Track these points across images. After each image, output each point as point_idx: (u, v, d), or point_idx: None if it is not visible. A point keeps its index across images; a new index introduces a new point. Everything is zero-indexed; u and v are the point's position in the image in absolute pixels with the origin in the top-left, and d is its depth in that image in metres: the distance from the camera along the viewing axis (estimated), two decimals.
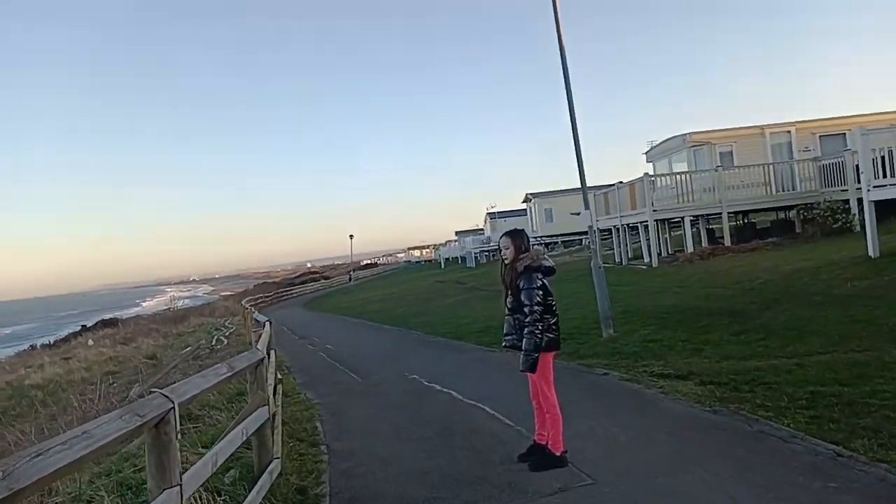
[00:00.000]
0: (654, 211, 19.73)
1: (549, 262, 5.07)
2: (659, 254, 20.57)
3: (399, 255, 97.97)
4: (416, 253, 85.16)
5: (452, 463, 5.34)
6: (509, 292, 5.05)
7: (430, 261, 71.40)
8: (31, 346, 39.84)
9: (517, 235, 5.16)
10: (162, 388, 3.11)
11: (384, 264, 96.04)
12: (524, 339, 4.83)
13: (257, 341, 7.01)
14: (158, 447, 2.98)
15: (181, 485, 3.03)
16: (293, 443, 6.65)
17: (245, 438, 4.33)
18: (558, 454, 4.91)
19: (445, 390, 8.37)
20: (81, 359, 22.79)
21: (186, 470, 3.18)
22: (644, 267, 20.42)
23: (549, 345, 4.89)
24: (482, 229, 62.71)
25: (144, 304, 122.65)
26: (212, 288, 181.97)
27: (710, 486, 4.17)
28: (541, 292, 4.88)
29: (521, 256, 5.00)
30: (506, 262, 5.11)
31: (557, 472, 4.78)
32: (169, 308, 52.85)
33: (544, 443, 5.14)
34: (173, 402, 3.06)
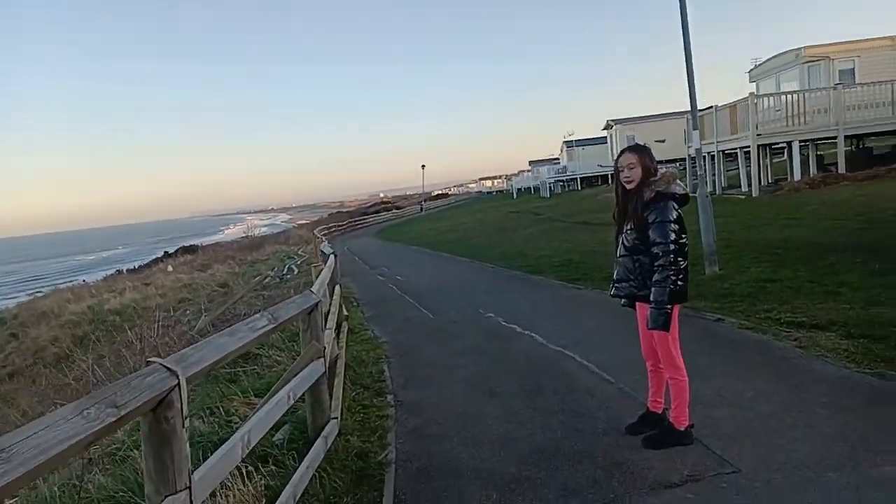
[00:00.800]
0: (758, 135, 17.60)
1: (683, 188, 3.87)
2: (759, 182, 18.54)
3: (470, 186, 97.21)
4: (488, 183, 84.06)
5: (545, 430, 4.39)
6: (630, 226, 3.88)
7: (501, 191, 70.39)
8: (117, 270, 41.69)
9: (644, 152, 3.90)
10: (164, 360, 2.23)
11: (455, 195, 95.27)
12: (654, 288, 3.70)
13: (316, 278, 6.19)
14: (157, 439, 2.14)
15: (190, 487, 2.19)
16: (356, 390, 5.90)
17: (292, 403, 3.51)
18: (683, 428, 3.87)
19: (527, 333, 7.41)
20: (159, 285, 23.26)
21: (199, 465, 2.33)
22: (742, 197, 18.49)
23: (682, 295, 3.77)
24: (557, 159, 60.36)
25: (226, 232, 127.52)
26: (289, 217, 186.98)
27: None
28: (676, 227, 3.72)
29: (652, 180, 3.81)
30: (628, 186, 3.92)
31: (682, 451, 3.76)
32: (246, 235, 53.99)
33: (660, 412, 4.11)
34: (178, 377, 2.18)
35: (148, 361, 2.22)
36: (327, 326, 5.44)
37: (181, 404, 2.20)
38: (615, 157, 4.05)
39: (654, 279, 3.72)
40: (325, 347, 4.29)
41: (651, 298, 3.72)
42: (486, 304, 9.68)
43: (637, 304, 3.98)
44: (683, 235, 3.77)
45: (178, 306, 17.03)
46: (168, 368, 2.19)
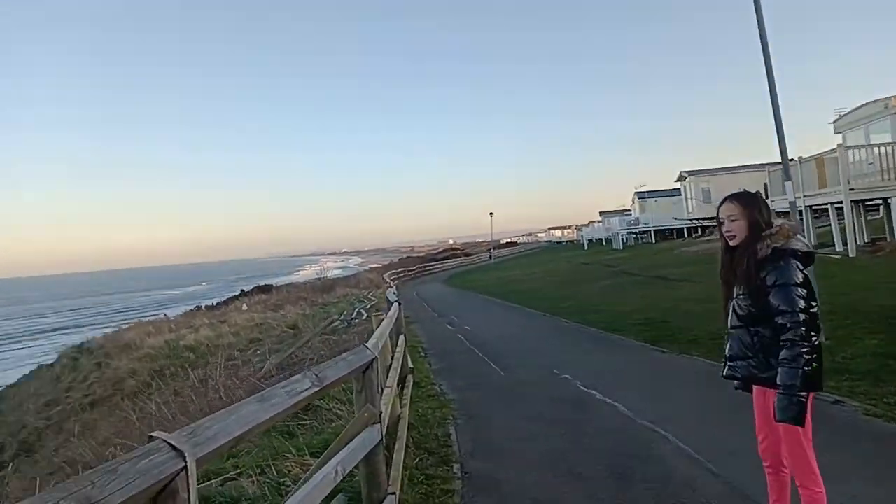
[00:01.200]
0: (851, 190, 16.21)
1: (806, 245, 3.15)
2: (856, 241, 17.02)
3: (539, 235, 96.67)
4: (557, 233, 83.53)
5: None
6: (743, 290, 3.18)
7: (571, 241, 70.00)
8: (196, 306, 43.06)
9: (751, 202, 3.18)
10: (169, 436, 1.77)
11: (524, 243, 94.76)
12: (782, 369, 2.94)
13: (376, 328, 5.72)
14: None
15: None
16: (420, 455, 5.33)
17: (340, 479, 2.98)
18: None
19: (609, 401, 6.65)
20: (233, 323, 23.59)
21: None
22: (838, 257, 16.99)
23: (817, 379, 3.01)
24: (629, 210, 59.02)
25: (300, 273, 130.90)
26: (361, 260, 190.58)
27: None
28: (804, 291, 3.00)
29: (766, 234, 3.11)
30: (731, 242, 3.23)
31: None
32: (319, 277, 54.92)
33: None
34: (185, 460, 1.70)
35: (150, 437, 1.76)
36: (388, 384, 4.92)
37: (188, 494, 1.72)
38: (717, 206, 3.37)
39: (781, 357, 2.98)
40: (381, 412, 3.76)
41: (778, 381, 2.96)
42: (562, 363, 8.96)
43: (754, 387, 3.24)
44: (814, 303, 3.04)
45: (248, 346, 17.04)
46: (173, 447, 1.71)
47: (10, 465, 14.02)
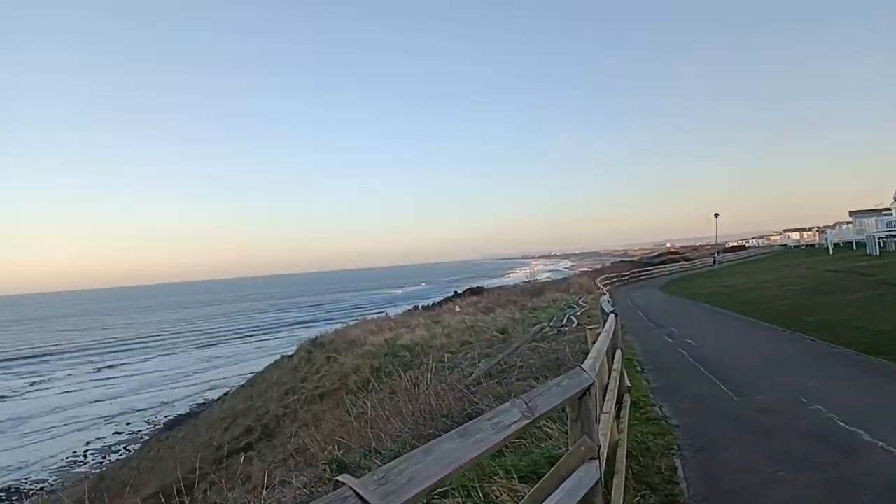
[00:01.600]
0: None
1: None
2: None
3: (772, 238, 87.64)
4: (795, 235, 75.05)
5: None
6: None
7: (811, 245, 62.85)
8: (414, 306, 45.70)
9: None
10: (357, 483, 1.52)
11: (753, 247, 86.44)
12: None
13: (592, 343, 5.21)
14: None
15: None
16: (641, 491, 4.74)
17: None
18: None
19: (880, 444, 5.39)
20: (445, 324, 24.41)
21: None
22: None
23: None
24: (889, 209, 50.53)
25: (510, 275, 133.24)
26: (571, 263, 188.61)
27: None
28: None
29: None
30: None
31: None
32: (528, 280, 55.16)
33: None
34: None
35: (336, 482, 1.53)
36: (605, 408, 4.41)
37: None
38: None
39: None
40: (599, 445, 3.29)
41: None
42: (809, 391, 7.61)
43: None
44: None
45: (459, 349, 17.41)
46: (360, 496, 1.47)
47: (254, 447, 15.96)
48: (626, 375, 8.08)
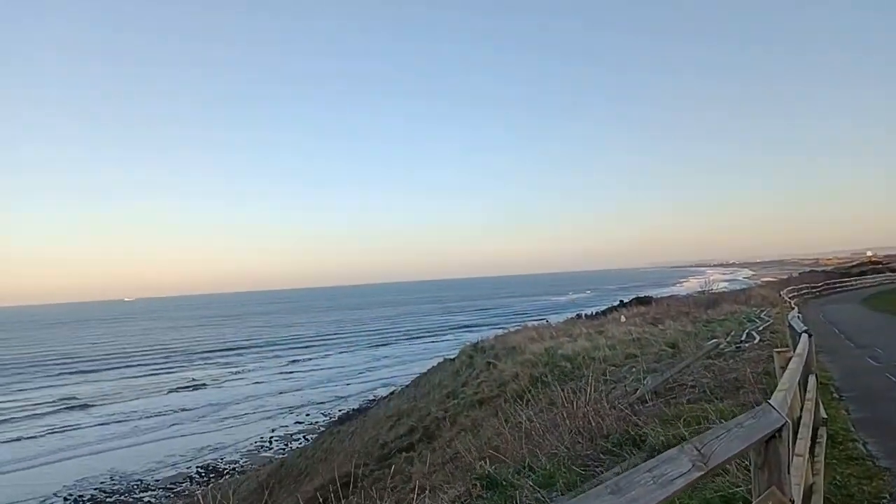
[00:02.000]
0: None
1: None
2: None
3: None
4: None
5: None
6: None
7: None
8: (577, 314, 44.53)
9: None
10: None
11: None
12: None
13: (781, 368, 4.46)
14: None
15: None
16: None
17: None
18: None
19: None
20: (609, 335, 23.33)
21: None
22: None
23: None
24: None
25: (682, 285, 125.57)
26: (752, 273, 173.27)
27: None
28: None
29: None
30: None
31: None
32: (703, 291, 51.37)
33: None
34: None
35: None
36: (797, 451, 3.70)
37: None
38: None
39: None
40: (793, 500, 2.70)
41: None
42: None
43: None
44: None
45: (623, 362, 16.49)
46: None
47: (415, 447, 16.31)
48: (821, 405, 6.98)
